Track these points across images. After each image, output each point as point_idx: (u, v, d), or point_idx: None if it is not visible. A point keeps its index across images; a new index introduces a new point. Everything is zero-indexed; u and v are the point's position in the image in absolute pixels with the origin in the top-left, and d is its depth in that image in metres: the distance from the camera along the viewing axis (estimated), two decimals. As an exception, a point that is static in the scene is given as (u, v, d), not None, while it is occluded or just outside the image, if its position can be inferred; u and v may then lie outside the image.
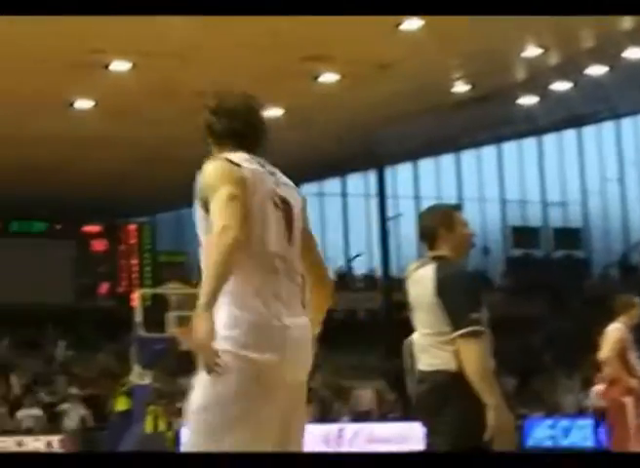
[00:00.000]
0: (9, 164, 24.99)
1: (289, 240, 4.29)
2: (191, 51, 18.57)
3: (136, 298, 23.66)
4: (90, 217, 31.24)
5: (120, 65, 19.53)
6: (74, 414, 25.35)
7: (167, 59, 18.89)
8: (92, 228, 31.49)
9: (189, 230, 31.21)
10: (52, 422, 25.77)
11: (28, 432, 24.97)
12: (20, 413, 25.59)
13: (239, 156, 4.30)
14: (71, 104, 21.89)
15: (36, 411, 25.79)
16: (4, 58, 18.51)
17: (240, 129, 4.39)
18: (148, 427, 23.61)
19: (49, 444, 24.26)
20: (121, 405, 24.12)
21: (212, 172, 4.20)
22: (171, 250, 32.16)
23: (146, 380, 23.27)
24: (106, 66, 19.58)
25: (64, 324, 30.54)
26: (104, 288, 31.45)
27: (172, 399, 25.48)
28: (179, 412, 24.58)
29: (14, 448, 23.73)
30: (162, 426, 24.28)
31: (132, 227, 32.13)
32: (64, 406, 25.85)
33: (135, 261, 32.02)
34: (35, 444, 24.25)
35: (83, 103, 21.82)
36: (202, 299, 3.92)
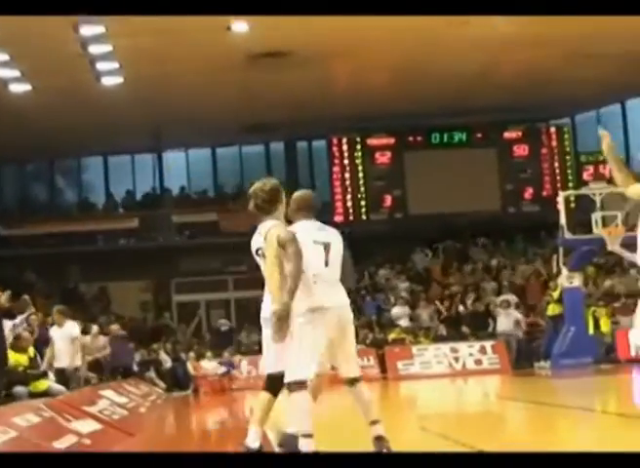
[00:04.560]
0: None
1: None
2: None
3: (560, 201, 23.49)
4: (509, 124, 31.24)
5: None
6: (507, 320, 25.70)
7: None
8: (512, 134, 31.46)
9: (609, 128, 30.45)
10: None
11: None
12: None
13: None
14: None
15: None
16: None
17: None
18: (590, 328, 23.57)
19: (482, 348, 24.85)
20: (553, 309, 24.17)
21: None
22: (591, 150, 31.46)
23: (575, 283, 23.13)
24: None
25: (491, 231, 30.97)
26: (529, 192, 31.46)
27: (609, 300, 25.23)
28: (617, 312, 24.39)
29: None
30: (605, 327, 24.10)
31: (552, 130, 31.79)
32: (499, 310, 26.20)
33: (557, 164, 31.73)
34: (469, 350, 24.94)
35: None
36: None
